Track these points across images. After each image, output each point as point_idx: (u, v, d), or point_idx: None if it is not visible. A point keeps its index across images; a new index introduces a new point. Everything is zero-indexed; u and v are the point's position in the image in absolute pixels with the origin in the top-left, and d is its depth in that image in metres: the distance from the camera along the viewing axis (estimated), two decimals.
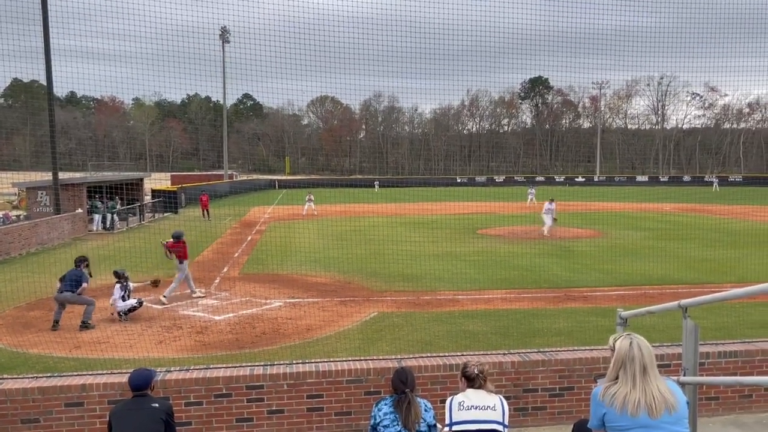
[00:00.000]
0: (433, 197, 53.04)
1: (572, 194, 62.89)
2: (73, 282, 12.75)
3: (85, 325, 12.40)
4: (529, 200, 47.40)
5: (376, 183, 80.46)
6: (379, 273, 18.39)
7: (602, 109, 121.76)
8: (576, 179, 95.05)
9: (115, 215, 31.34)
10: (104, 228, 30.47)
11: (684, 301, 4.26)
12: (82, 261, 13.30)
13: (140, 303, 13.40)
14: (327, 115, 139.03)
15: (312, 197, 41.55)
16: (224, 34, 61.61)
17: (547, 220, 28.07)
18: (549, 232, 27.71)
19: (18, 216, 31.02)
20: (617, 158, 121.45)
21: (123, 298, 13.15)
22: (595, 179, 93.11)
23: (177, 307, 14.31)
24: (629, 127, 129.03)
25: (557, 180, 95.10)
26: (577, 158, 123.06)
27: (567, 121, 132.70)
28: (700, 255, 21.73)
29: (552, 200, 28.99)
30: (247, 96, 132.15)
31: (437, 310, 13.90)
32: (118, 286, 13.18)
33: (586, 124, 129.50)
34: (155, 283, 15.77)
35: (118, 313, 13.09)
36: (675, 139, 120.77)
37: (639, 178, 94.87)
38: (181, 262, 15.28)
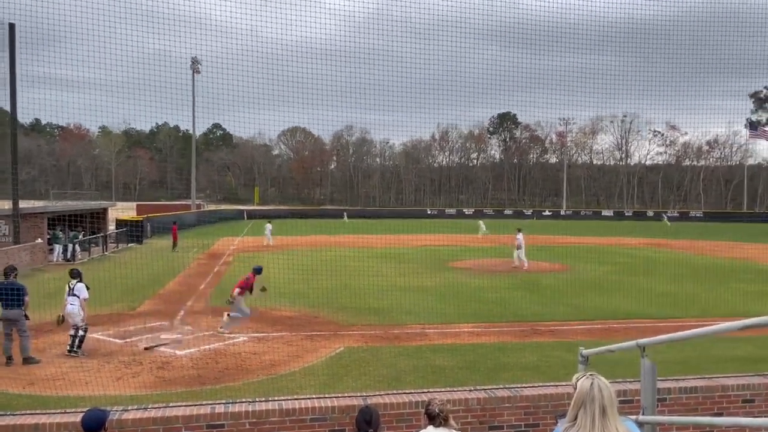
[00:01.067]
0: (404, 229, 53.18)
1: (540, 228, 63.72)
2: (11, 296, 11.97)
3: (28, 361, 11.87)
4: (480, 232, 48.35)
5: (345, 214, 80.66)
6: (347, 306, 18.23)
7: (568, 144, 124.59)
8: (543, 213, 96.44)
9: (76, 245, 30.59)
10: (65, 259, 29.68)
11: (642, 341, 4.30)
12: (12, 270, 12.57)
13: (85, 329, 12.73)
14: (298, 146, 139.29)
15: (270, 227, 40.96)
16: (195, 64, 61.63)
17: (520, 251, 28.28)
18: (519, 263, 27.98)
19: None
20: (583, 193, 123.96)
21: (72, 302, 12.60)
22: (562, 213, 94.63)
23: (137, 341, 13.91)
24: (595, 162, 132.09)
25: (526, 213, 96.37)
26: (545, 192, 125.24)
27: (534, 156, 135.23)
28: (663, 289, 22.10)
29: (519, 230, 29.30)
30: (216, 126, 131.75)
31: (405, 345, 13.80)
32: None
33: (553, 159, 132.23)
34: (60, 322, 13.21)
35: (72, 342, 12.49)
36: (638, 175, 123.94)
37: (604, 213, 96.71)
38: (244, 294, 15.04)
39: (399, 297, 19.62)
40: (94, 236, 34.63)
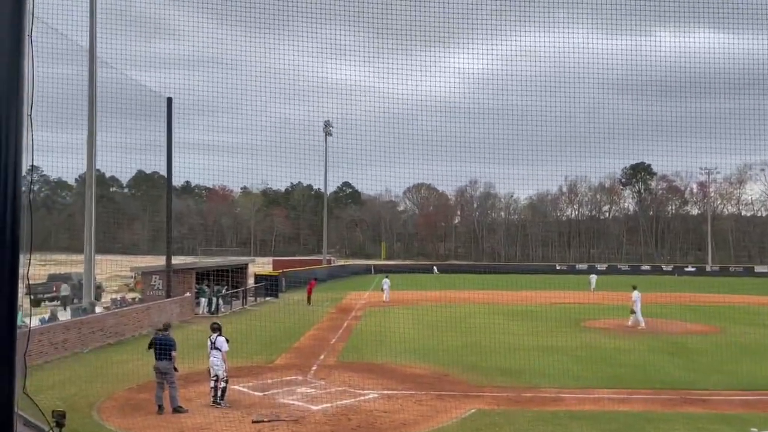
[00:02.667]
0: (532, 285, 51.52)
1: (682, 285, 59.06)
2: (164, 349, 12.99)
3: (177, 410, 12.69)
4: (592, 287, 46.81)
5: (435, 268, 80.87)
6: (477, 366, 17.82)
7: (712, 195, 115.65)
8: (685, 269, 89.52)
9: (220, 299, 32.70)
10: (210, 312, 31.77)
11: None
12: (168, 326, 13.95)
13: (226, 381, 13.37)
14: (423, 202, 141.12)
15: (388, 281, 41.13)
16: (327, 127, 65.12)
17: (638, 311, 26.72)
18: (634, 322, 26.56)
19: (133, 298, 33.09)
20: (731, 247, 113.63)
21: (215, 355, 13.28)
22: (708, 269, 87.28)
23: (274, 395, 14.44)
24: (743, 213, 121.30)
25: (665, 269, 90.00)
26: (686, 246, 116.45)
27: (673, 208, 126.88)
28: None
29: (635, 287, 27.57)
30: (346, 184, 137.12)
31: (540, 409, 13.17)
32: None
33: (695, 211, 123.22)
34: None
35: (215, 393, 13.18)
36: None
37: (758, 269, 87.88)
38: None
39: (531, 357, 18.88)
40: (236, 290, 36.85)
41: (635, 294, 26.99)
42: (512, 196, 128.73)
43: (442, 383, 15.78)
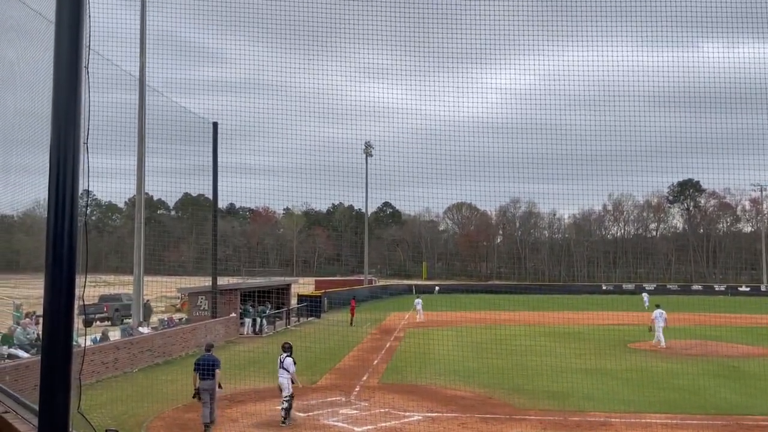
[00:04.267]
0: (577, 306, 50.41)
1: (736, 305, 56.87)
2: (208, 369, 13.29)
3: (208, 425, 12.97)
4: (646, 306, 46.70)
5: (436, 288, 79.96)
6: (521, 388, 17.49)
7: (765, 212, 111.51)
8: (739, 288, 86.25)
9: (264, 319, 33.04)
10: (254, 332, 32.13)
11: None
12: (211, 347, 14.48)
13: (290, 399, 13.67)
14: (463, 221, 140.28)
15: (420, 302, 40.76)
16: (368, 148, 65.57)
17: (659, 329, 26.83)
18: (659, 342, 26.63)
19: (180, 319, 33.72)
20: None
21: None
22: (763, 288, 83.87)
23: (318, 415, 14.45)
24: None
25: (717, 289, 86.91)
26: (739, 265, 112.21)
27: (725, 225, 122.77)
28: None
29: (658, 306, 27.97)
30: (386, 204, 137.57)
31: None
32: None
33: (748, 228, 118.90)
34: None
35: (284, 414, 13.51)
36: None
37: None
38: None
39: (577, 380, 18.43)
40: (279, 311, 37.19)
41: (656, 312, 27.25)
42: (555, 214, 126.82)
43: (486, 406, 15.54)
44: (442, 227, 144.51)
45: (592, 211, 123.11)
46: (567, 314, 39.20)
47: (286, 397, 13.56)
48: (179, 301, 42.43)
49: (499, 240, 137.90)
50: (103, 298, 40.84)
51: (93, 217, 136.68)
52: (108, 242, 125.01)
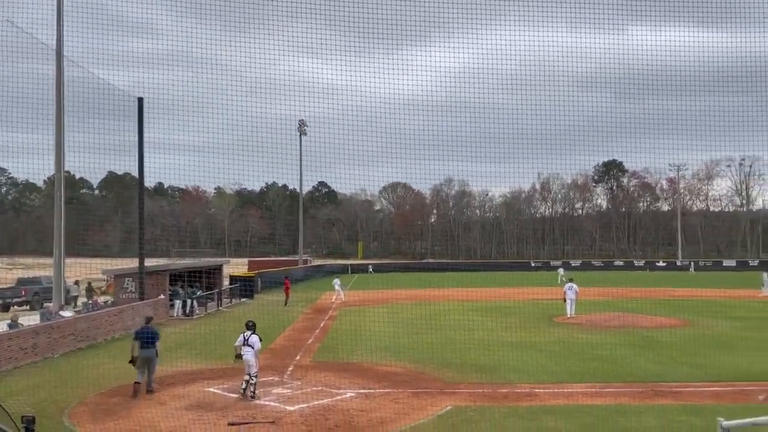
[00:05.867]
0: (506, 282, 51.97)
1: (653, 280, 60.16)
2: (148, 339, 14.48)
3: (151, 391, 14.26)
4: (560, 280, 49.50)
5: (370, 267, 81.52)
6: (452, 362, 17.92)
7: (681, 191, 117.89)
8: (657, 263, 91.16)
9: (194, 301, 32.35)
10: (184, 314, 31.42)
11: None
12: (150, 319, 15.95)
13: (256, 376, 13.94)
14: (399, 201, 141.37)
15: (339, 281, 40.74)
16: (301, 126, 64.77)
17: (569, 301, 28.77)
18: (569, 313, 28.46)
19: (105, 302, 32.55)
20: (701, 242, 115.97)
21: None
22: (678, 264, 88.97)
23: (250, 396, 14.32)
24: (712, 209, 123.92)
25: (637, 264, 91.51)
26: (657, 242, 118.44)
27: (645, 204, 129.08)
28: None
29: (571, 280, 30.17)
30: (322, 183, 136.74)
31: (515, 405, 13.31)
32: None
33: (665, 207, 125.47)
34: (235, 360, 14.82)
35: (246, 387, 13.86)
36: (763, 221, 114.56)
37: (726, 263, 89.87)
38: None
39: (505, 353, 19.07)
40: (210, 292, 36.48)
41: (567, 285, 29.51)
42: (487, 194, 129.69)
43: (418, 381, 15.84)
44: (377, 207, 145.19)
45: (522, 190, 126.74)
46: (497, 290, 40.37)
47: (254, 373, 13.86)
48: (104, 283, 40.97)
49: (433, 219, 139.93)
50: (21, 282, 38.94)
51: (9, 197, 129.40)
52: (25, 222, 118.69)
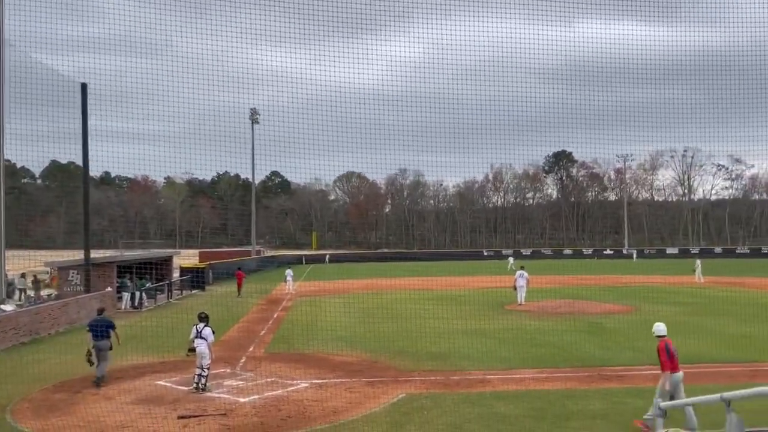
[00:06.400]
0: (460, 271, 52.63)
1: (601, 267, 61.92)
2: (102, 330, 14.57)
3: (100, 380, 14.26)
4: (509, 268, 50.80)
5: (327, 257, 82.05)
6: (406, 351, 18.06)
7: (628, 181, 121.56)
8: (604, 251, 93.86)
9: (143, 293, 31.60)
10: (133, 306, 30.67)
11: (727, 395, 4.07)
12: (103, 310, 16.13)
13: (208, 368, 13.79)
14: (353, 191, 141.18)
15: (291, 272, 40.43)
16: (254, 115, 63.77)
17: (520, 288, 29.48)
18: (520, 300, 29.14)
19: (49, 295, 31.47)
20: (646, 230, 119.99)
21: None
22: (624, 252, 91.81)
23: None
24: (656, 199, 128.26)
25: (585, 253, 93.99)
26: (605, 231, 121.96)
27: (593, 194, 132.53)
28: (737, 331, 21.01)
29: (522, 267, 31.00)
30: (275, 173, 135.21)
31: (467, 391, 13.51)
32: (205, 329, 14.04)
33: (613, 197, 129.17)
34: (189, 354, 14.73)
35: (198, 381, 13.64)
36: (704, 211, 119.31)
37: (669, 250, 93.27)
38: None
39: (458, 341, 19.34)
40: (160, 284, 35.71)
41: (518, 273, 30.16)
42: (441, 184, 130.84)
43: (372, 370, 15.90)
44: (332, 197, 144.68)
45: (476, 180, 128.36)
46: (450, 279, 40.92)
47: (207, 365, 13.69)
48: (48, 276, 39.59)
49: (388, 209, 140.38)
50: None
51: None
52: None
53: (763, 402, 11.45)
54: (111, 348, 14.68)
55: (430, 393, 13.39)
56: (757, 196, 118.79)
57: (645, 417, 10.68)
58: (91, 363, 14.40)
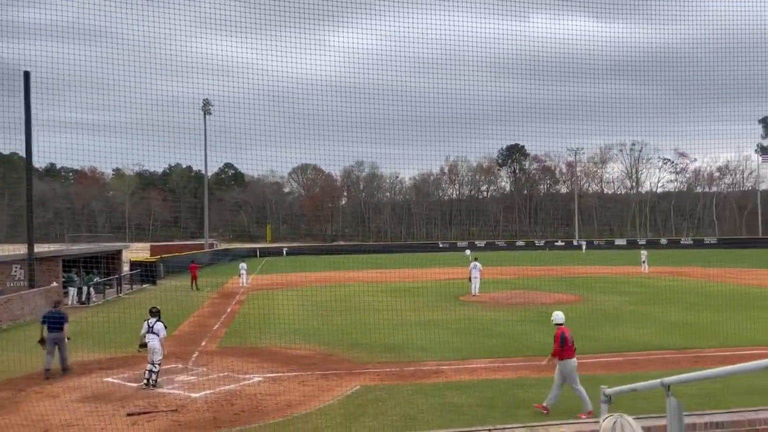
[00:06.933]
0: (415, 263, 52.98)
1: (552, 259, 63.29)
2: (56, 322, 14.93)
3: (66, 370, 14.77)
4: (468, 260, 51.12)
5: (285, 249, 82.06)
6: (361, 343, 18.08)
7: (578, 174, 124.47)
8: (555, 243, 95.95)
9: (91, 288, 30.70)
10: (80, 302, 29.78)
11: (667, 380, 4.21)
12: (58, 303, 16.64)
13: (159, 364, 13.62)
14: (309, 183, 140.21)
15: (245, 266, 39.85)
16: (206, 106, 62.55)
17: (474, 279, 30.02)
18: (474, 291, 29.70)
19: None
20: (595, 222, 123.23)
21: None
22: (574, 243, 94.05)
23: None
24: (605, 191, 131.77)
25: (537, 244, 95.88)
26: (556, 223, 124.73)
27: (545, 187, 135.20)
28: (681, 318, 21.80)
29: (476, 259, 31.51)
30: (228, 165, 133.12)
31: (421, 382, 13.62)
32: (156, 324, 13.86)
33: (564, 190, 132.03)
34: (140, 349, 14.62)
35: (149, 377, 13.42)
36: (650, 203, 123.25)
37: (617, 242, 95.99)
38: None
39: (413, 333, 19.47)
40: (109, 278, 34.76)
41: (472, 264, 30.59)
42: (397, 176, 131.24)
43: (327, 363, 15.87)
44: (287, 189, 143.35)
45: (431, 173, 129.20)
46: (406, 271, 41.13)
47: (158, 360, 13.48)
48: None
49: (344, 201, 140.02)
50: None
51: None
52: None
53: (704, 386, 11.95)
54: (68, 339, 15.18)
55: (385, 385, 13.45)
56: (700, 189, 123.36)
57: (545, 402, 11.32)
58: (44, 346, 14.77)
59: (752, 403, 8.65)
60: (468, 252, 60.98)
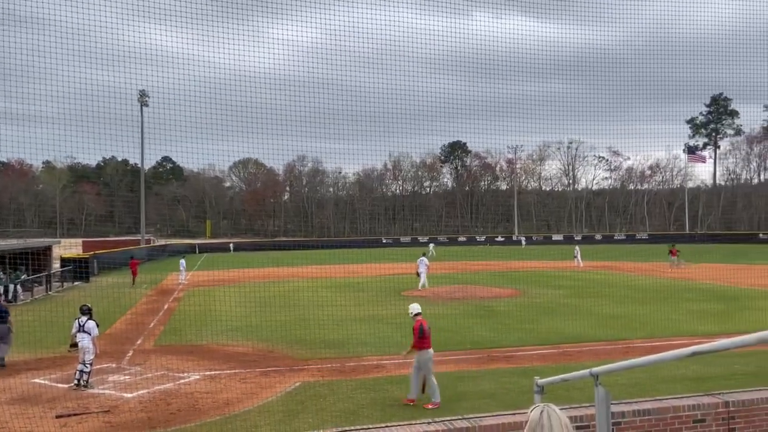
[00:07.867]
0: (359, 259, 52.97)
1: (492, 254, 64.56)
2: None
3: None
4: (430, 255, 52.25)
5: (231, 245, 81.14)
6: (302, 340, 17.96)
7: (518, 171, 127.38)
8: (496, 239, 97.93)
9: (18, 286, 29.29)
10: (6, 300, 28.31)
11: (595, 370, 4.36)
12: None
13: (91, 364, 13.18)
14: (250, 178, 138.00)
15: (184, 262, 39.22)
16: (142, 97, 60.57)
17: (422, 274, 30.68)
18: (423, 285, 30.37)
19: None
20: (534, 218, 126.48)
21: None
22: (514, 238, 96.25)
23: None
24: (543, 188, 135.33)
25: (478, 240, 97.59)
26: (497, 218, 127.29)
27: (486, 183, 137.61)
28: (612, 311, 22.64)
29: (424, 254, 32.44)
30: (166, 158, 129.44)
31: (363, 377, 13.65)
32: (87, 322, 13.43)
33: (504, 186, 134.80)
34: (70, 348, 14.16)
35: (79, 378, 12.98)
36: (586, 200, 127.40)
37: (555, 237, 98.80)
38: None
39: (355, 328, 19.47)
40: (38, 275, 33.25)
41: (420, 259, 31.44)
42: (340, 172, 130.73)
43: (267, 360, 15.69)
44: (227, 184, 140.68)
45: (375, 169, 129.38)
46: (349, 267, 41.01)
47: (89, 360, 13.03)
48: None
49: (286, 197, 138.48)
50: None
51: None
52: None
53: (632, 375, 12.45)
54: (11, 331, 15.51)
55: (327, 380, 13.41)
56: (632, 187, 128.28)
57: (410, 396, 11.65)
58: None
59: (676, 390, 9.08)
60: (432, 246, 61.31)
